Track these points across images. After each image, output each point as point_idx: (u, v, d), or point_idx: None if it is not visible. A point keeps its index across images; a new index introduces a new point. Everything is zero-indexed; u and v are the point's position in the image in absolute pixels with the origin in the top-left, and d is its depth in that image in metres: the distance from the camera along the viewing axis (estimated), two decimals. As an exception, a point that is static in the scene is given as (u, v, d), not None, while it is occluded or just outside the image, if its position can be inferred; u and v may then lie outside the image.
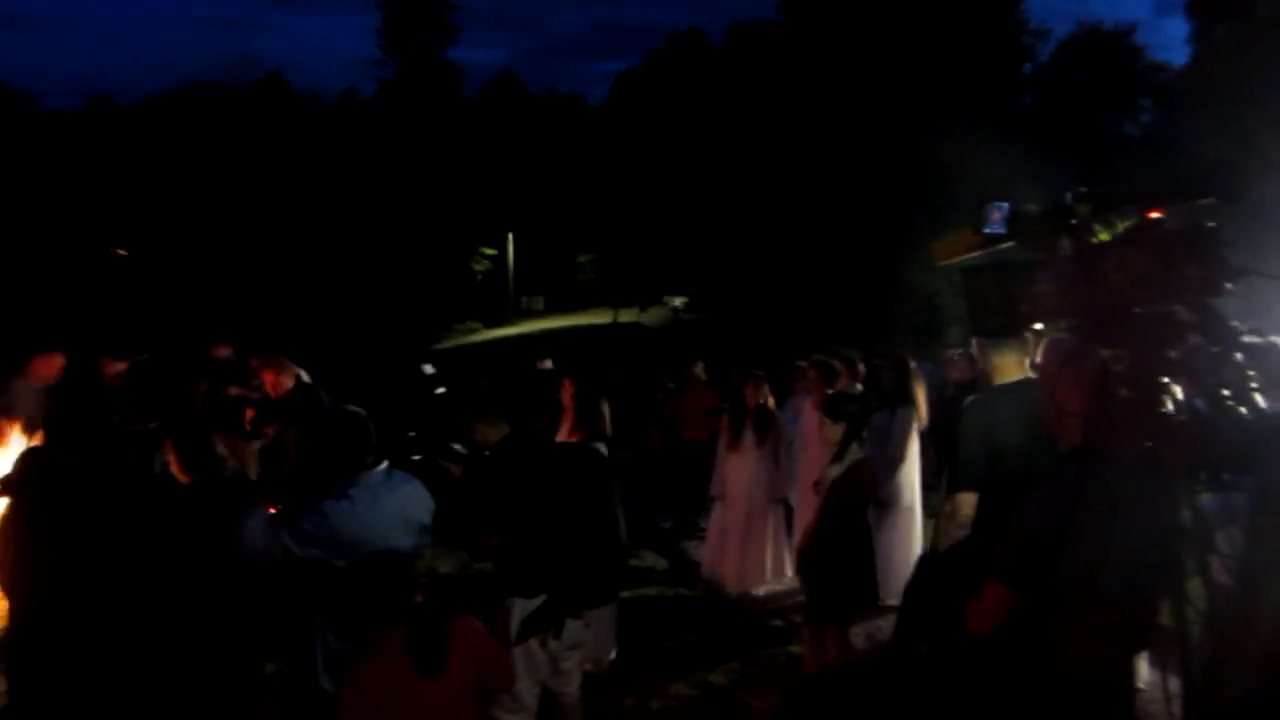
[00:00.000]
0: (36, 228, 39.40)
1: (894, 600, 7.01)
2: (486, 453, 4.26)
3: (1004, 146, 34.47)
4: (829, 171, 36.29)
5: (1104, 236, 2.04)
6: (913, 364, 7.37)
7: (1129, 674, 2.39)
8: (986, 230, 2.10)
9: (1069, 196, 2.15)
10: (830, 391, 7.15)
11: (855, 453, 5.20)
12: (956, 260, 2.29)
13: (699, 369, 10.35)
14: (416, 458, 4.70)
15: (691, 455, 9.73)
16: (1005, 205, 2.09)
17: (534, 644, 3.91)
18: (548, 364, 10.63)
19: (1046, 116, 39.94)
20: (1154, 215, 1.93)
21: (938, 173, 33.90)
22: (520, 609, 3.90)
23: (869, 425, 7.17)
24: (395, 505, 3.58)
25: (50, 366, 6.41)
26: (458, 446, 4.55)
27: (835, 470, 5.11)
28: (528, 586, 3.93)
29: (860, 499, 5.19)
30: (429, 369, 5.69)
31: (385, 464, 3.65)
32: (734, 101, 43.54)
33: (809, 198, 36.46)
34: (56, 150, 44.63)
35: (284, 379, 6.71)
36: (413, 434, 4.96)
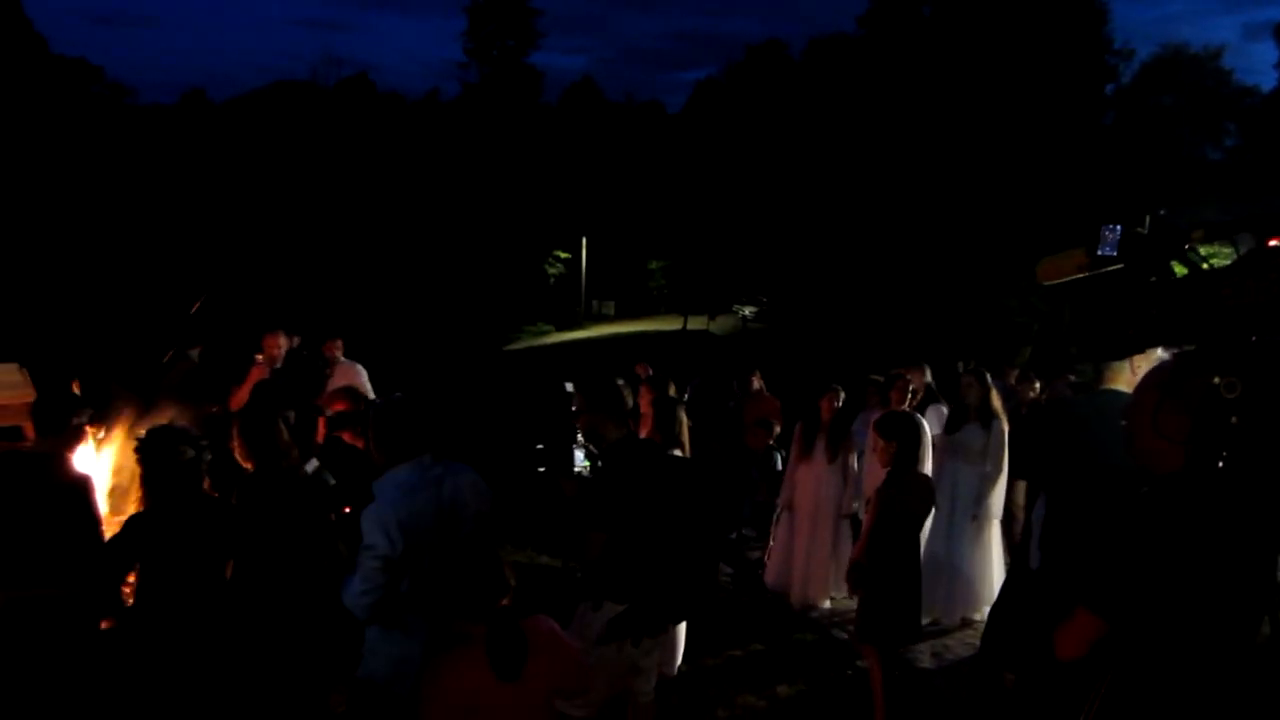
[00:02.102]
0: (129, 218, 40.64)
1: (978, 617, 7.06)
2: (592, 448, 4.26)
3: (1083, 167, 33.93)
4: (902, 187, 35.95)
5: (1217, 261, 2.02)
6: (989, 378, 7.35)
7: (1224, 705, 2.34)
8: (1099, 252, 2.08)
9: (1148, 220, 2.13)
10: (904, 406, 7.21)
11: (910, 470, 5.17)
12: (1063, 281, 2.28)
13: (757, 379, 10.26)
14: (541, 469, 4.74)
15: (746, 463, 9.63)
16: (1118, 228, 2.07)
17: (612, 646, 3.94)
18: (648, 370, 10.62)
19: (1128, 138, 39.13)
20: (1273, 243, 1.91)
21: (1014, 190, 33.44)
22: (607, 608, 3.93)
23: (953, 441, 7.23)
24: (445, 492, 3.62)
25: (275, 345, 6.65)
26: (581, 469, 4.54)
27: (887, 492, 5.08)
28: (620, 591, 3.96)
29: (910, 517, 5.14)
30: (570, 387, 5.65)
31: (429, 455, 3.67)
32: (812, 115, 43.36)
33: (881, 212, 36.16)
34: (151, 143, 46.00)
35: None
36: (541, 446, 5.00)
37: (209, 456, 4.17)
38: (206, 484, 4.22)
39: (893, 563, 5.05)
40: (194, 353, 6.94)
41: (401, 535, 3.42)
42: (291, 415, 4.68)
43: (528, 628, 3.03)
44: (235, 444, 4.34)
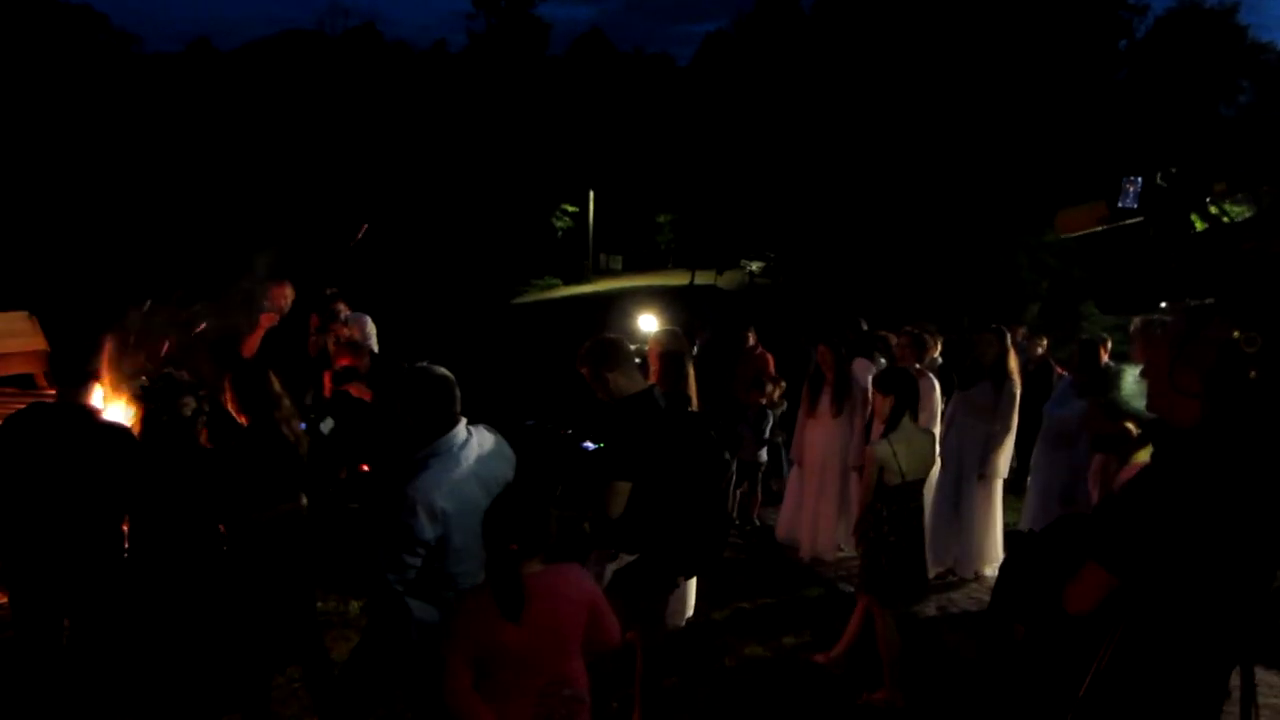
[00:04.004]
0: (135, 167, 40.53)
1: (986, 572, 7.11)
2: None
3: (1096, 123, 33.58)
4: (912, 142, 35.60)
5: (1238, 214, 2.00)
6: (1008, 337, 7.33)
7: (1228, 670, 2.34)
8: (1120, 204, 2.05)
9: (1159, 176, 2.09)
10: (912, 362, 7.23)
11: (907, 427, 5.18)
12: (1081, 233, 2.24)
13: (752, 335, 10.21)
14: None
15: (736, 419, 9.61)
16: (1139, 179, 2.04)
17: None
18: (654, 321, 10.57)
19: (1141, 94, 38.69)
20: (1296, 195, 1.88)
21: (1025, 147, 33.12)
22: (620, 558, 3.95)
23: (965, 399, 7.26)
24: (479, 465, 3.52)
25: (283, 295, 6.63)
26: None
27: (881, 448, 5.09)
28: (635, 542, 3.95)
29: (908, 476, 5.16)
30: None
31: (464, 423, 3.58)
32: (822, 68, 42.86)
33: (890, 168, 35.84)
34: (157, 92, 45.72)
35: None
36: (530, 422, 5.01)
37: (207, 410, 4.18)
38: (204, 438, 4.24)
39: (892, 517, 5.10)
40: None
41: (444, 516, 3.34)
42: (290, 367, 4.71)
43: (549, 573, 3.04)
44: (227, 397, 4.33)
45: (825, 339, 7.88)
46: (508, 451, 3.76)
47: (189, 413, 4.00)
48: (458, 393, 3.61)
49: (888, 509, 5.10)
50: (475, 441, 3.58)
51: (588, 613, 3.14)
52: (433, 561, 3.39)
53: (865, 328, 9.48)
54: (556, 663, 3.07)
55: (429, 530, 3.30)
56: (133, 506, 4.05)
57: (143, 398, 4.07)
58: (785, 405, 8.76)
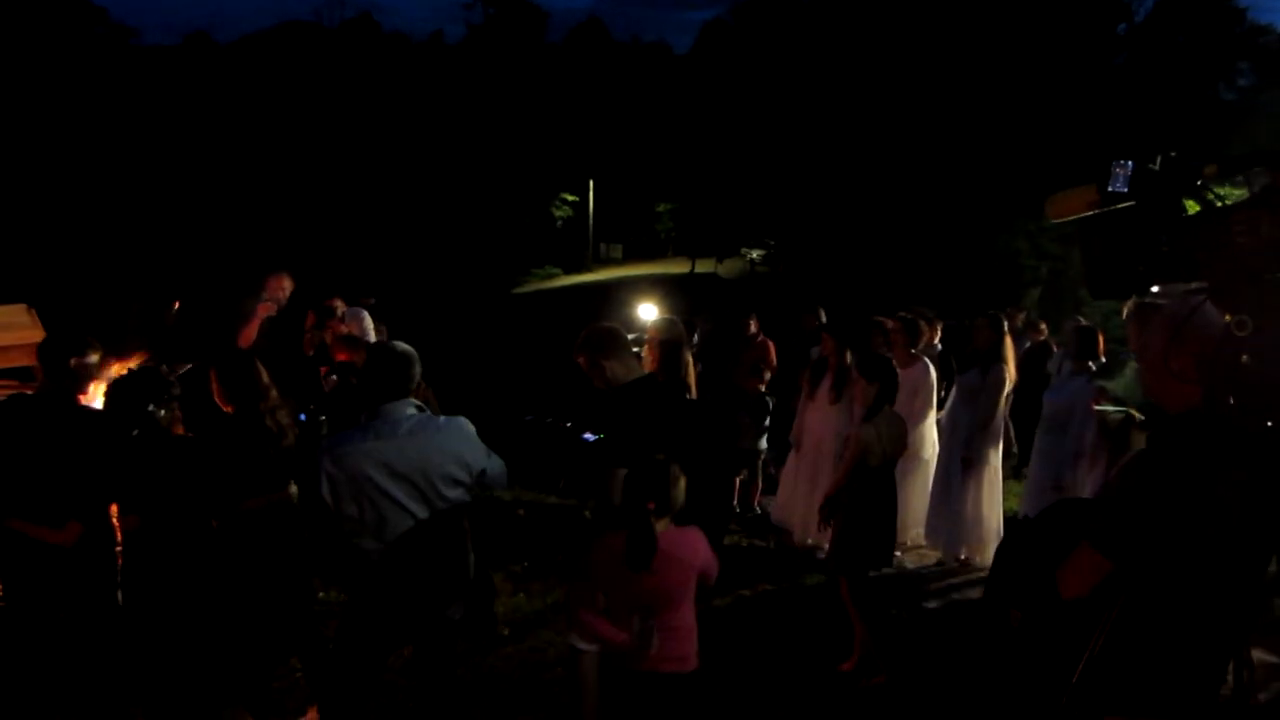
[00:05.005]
0: (133, 160, 40.48)
1: (978, 558, 7.13)
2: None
3: (1095, 107, 33.47)
4: (910, 129, 35.53)
5: (1230, 198, 1.99)
6: (1005, 323, 7.34)
7: (1222, 654, 2.34)
8: (1110, 188, 2.05)
9: (1158, 161, 2.09)
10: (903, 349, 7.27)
11: (888, 413, 5.29)
12: (1071, 218, 2.23)
13: (753, 322, 10.20)
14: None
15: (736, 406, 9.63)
16: (1129, 163, 2.03)
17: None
18: (653, 310, 10.58)
19: (1140, 78, 38.57)
20: (1286, 179, 1.87)
21: (1024, 133, 33.04)
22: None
23: (959, 384, 7.29)
24: (394, 448, 3.49)
25: (280, 287, 6.61)
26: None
27: (867, 430, 5.20)
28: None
29: (887, 457, 5.27)
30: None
31: (408, 404, 3.59)
32: (820, 55, 42.77)
33: (889, 155, 35.79)
34: (155, 85, 45.60)
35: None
36: (529, 418, 5.02)
37: (175, 401, 4.18)
38: (180, 428, 4.24)
39: (867, 499, 5.22)
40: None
41: (331, 480, 3.43)
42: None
43: (673, 533, 3.44)
44: (214, 386, 4.34)
45: (829, 328, 7.91)
46: (462, 435, 3.68)
47: (150, 406, 4.01)
48: (409, 371, 3.62)
49: (868, 488, 5.22)
50: (409, 427, 3.54)
51: (696, 576, 3.50)
52: (339, 525, 3.52)
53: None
54: (659, 609, 3.42)
55: (324, 486, 3.45)
56: (114, 495, 4.06)
57: (108, 390, 4.09)
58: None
